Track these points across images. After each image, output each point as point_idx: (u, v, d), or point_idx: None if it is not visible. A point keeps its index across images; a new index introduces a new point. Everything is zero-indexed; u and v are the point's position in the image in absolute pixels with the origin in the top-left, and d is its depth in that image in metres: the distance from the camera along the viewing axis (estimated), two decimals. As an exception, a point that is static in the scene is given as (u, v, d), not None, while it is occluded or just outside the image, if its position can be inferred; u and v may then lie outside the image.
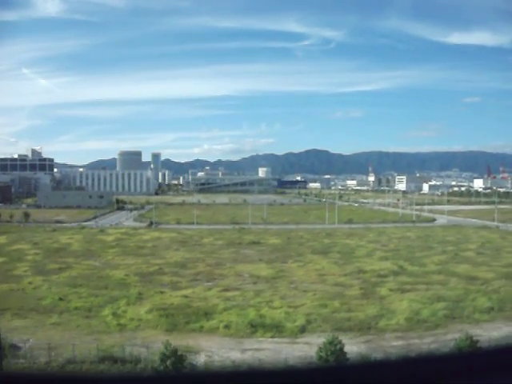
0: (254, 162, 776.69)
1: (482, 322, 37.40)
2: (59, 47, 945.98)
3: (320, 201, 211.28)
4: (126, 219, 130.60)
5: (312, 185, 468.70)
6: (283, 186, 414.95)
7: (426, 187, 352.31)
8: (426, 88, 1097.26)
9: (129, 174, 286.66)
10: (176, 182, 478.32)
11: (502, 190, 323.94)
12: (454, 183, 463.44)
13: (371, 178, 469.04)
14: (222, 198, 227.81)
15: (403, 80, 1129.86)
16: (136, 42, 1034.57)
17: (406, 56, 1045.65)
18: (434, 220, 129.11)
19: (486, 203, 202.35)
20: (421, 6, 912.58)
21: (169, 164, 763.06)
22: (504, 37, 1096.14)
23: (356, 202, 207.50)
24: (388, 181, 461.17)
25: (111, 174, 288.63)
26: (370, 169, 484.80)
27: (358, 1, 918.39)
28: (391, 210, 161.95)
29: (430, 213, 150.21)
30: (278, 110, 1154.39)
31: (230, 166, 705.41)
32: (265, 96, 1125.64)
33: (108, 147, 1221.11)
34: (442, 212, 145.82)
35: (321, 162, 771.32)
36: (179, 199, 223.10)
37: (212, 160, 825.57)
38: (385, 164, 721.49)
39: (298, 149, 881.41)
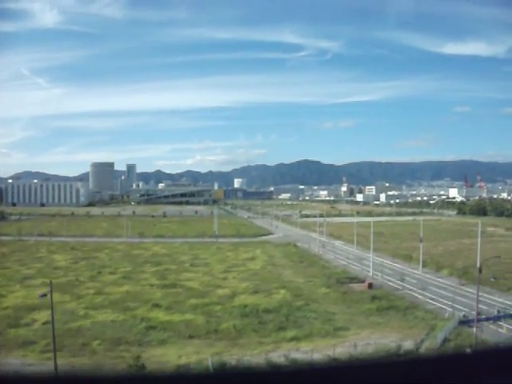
0: (245, 172, 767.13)
1: None
2: (56, 58, 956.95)
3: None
4: None
5: (283, 195, 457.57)
6: (248, 197, 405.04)
7: (382, 197, 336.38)
8: (419, 98, 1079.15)
9: (59, 186, 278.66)
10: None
11: (461, 199, 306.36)
12: (443, 192, 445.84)
13: (344, 189, 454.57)
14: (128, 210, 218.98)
15: (397, 90, 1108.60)
16: (131, 54, 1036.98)
17: (401, 66, 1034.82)
18: (269, 234, 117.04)
19: (399, 214, 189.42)
20: (417, 17, 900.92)
21: (160, 175, 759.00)
22: (499, 47, 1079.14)
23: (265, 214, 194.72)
24: (361, 190, 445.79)
25: (42, 186, 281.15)
26: (344, 179, 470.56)
27: (354, 12, 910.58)
28: (260, 222, 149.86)
29: (298, 227, 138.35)
30: (272, 121, 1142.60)
31: (220, 177, 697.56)
32: (259, 107, 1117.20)
33: (102, 158, 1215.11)
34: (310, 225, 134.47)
35: (311, 173, 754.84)
36: (85, 211, 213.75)
37: (204, 171, 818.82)
38: (376, 174, 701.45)
39: (289, 159, 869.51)
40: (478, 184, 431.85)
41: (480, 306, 47.14)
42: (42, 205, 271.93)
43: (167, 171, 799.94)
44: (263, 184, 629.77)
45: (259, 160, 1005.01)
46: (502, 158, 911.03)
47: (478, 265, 47.12)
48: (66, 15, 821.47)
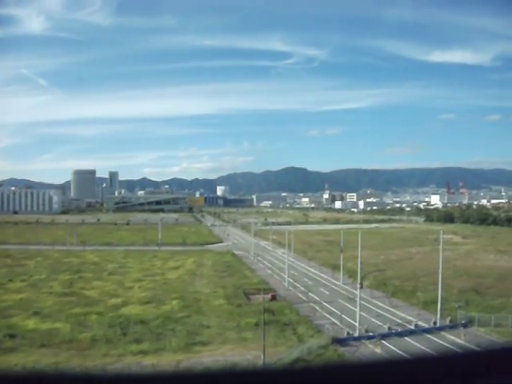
0: (231, 180, 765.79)
1: None
2: (41, 65, 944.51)
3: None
4: None
5: (265, 203, 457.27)
6: (229, 204, 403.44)
7: (361, 204, 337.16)
8: (405, 105, 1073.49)
9: (31, 193, 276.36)
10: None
11: (438, 205, 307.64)
12: (427, 199, 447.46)
13: (326, 196, 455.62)
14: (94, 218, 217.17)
15: (383, 98, 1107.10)
16: (118, 61, 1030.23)
17: (388, 74, 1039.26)
18: (218, 243, 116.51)
19: (367, 222, 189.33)
20: (404, 26, 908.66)
21: (145, 182, 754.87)
22: (485, 55, 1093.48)
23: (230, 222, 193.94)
24: (342, 197, 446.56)
25: (15, 193, 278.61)
26: (326, 186, 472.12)
27: (342, 20, 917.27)
28: (219, 230, 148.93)
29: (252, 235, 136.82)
30: (259, 128, 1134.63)
31: (206, 185, 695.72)
32: (246, 114, 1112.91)
33: (88, 166, 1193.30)
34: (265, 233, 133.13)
35: (298, 180, 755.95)
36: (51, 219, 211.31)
37: (190, 179, 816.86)
38: (362, 181, 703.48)
39: (276, 167, 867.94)
40: (460, 190, 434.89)
41: (376, 321, 45.47)
42: (15, 212, 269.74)
43: (153, 179, 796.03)
44: (249, 191, 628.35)
45: (246, 167, 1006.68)
46: (488, 165, 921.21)
47: (359, 280, 46.05)
48: (53, 21, 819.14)
